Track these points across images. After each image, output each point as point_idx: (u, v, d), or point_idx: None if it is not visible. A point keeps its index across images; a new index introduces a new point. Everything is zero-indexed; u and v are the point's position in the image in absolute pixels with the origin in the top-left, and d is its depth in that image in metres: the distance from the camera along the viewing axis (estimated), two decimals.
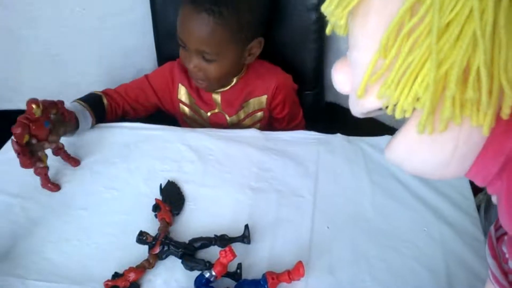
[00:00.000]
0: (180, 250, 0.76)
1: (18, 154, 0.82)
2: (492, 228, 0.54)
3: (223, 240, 0.78)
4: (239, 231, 0.80)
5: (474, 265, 0.75)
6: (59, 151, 0.92)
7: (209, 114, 1.16)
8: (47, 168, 0.88)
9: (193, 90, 1.14)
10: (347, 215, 0.84)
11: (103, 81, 1.31)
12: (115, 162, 0.96)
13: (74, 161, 0.94)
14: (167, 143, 1.01)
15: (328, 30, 0.44)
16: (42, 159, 0.87)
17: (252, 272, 0.74)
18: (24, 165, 0.83)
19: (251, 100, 1.14)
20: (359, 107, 0.43)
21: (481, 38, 0.32)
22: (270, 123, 1.20)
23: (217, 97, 1.13)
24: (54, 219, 0.85)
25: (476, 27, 0.32)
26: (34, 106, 0.82)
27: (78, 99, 1.05)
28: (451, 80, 0.33)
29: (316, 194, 0.88)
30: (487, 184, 0.42)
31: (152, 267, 0.75)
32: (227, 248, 0.70)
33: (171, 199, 0.86)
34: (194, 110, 1.17)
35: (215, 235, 0.79)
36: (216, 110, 1.15)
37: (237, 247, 0.75)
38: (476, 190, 0.96)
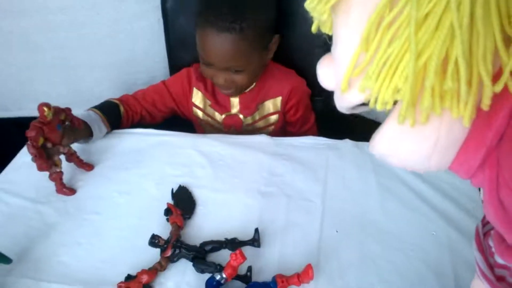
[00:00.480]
0: (191, 253, 0.77)
1: (35, 156, 0.84)
2: (479, 223, 0.54)
3: (233, 244, 0.79)
4: (249, 235, 0.81)
5: None
6: (72, 157, 0.94)
7: (223, 116, 1.18)
8: (62, 173, 0.90)
9: (209, 93, 1.17)
10: (355, 219, 0.85)
11: (115, 87, 1.34)
12: (128, 168, 0.98)
13: (88, 166, 0.97)
14: (178, 148, 1.03)
15: (313, 28, 0.45)
16: (57, 164, 0.89)
17: (262, 275, 0.76)
18: (40, 167, 0.85)
19: (266, 102, 1.16)
20: (344, 102, 0.43)
21: (458, 29, 0.32)
22: (283, 127, 1.21)
23: (234, 99, 1.16)
24: (68, 223, 0.87)
25: (454, 19, 0.32)
26: (45, 108, 0.84)
27: (93, 107, 1.07)
28: (430, 70, 0.34)
29: (325, 199, 0.89)
30: (470, 177, 0.42)
31: (164, 269, 0.76)
32: (237, 251, 0.71)
33: (183, 203, 0.88)
34: (208, 113, 1.19)
35: (226, 239, 0.80)
36: (232, 112, 1.18)
37: (247, 250, 0.76)
38: None
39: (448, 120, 0.37)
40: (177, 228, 0.82)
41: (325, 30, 0.44)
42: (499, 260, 0.47)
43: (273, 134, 1.09)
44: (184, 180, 0.94)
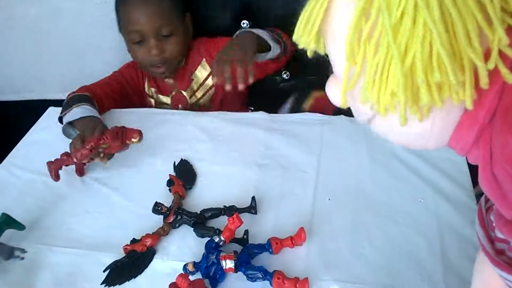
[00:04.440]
0: (192, 219, 0.82)
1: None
2: (482, 199, 0.56)
3: (231, 210, 0.84)
4: (246, 203, 0.86)
5: (466, 232, 0.79)
6: None
7: (170, 97, 1.26)
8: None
9: (152, 81, 1.25)
10: (347, 188, 0.90)
11: None
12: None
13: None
14: (180, 125, 1.08)
15: (309, 54, 0.45)
16: None
17: (258, 239, 0.80)
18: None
19: (197, 71, 1.23)
20: (359, 116, 0.46)
21: (432, 23, 0.34)
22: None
23: (169, 80, 1.24)
24: (77, 194, 0.93)
25: (425, 16, 0.34)
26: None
27: (86, 103, 1.08)
28: (418, 68, 0.35)
29: (319, 170, 0.94)
30: (466, 154, 0.44)
31: (167, 234, 0.82)
32: (234, 215, 0.76)
33: (184, 175, 0.93)
34: (158, 100, 1.27)
35: (224, 206, 0.85)
36: (173, 92, 1.25)
37: (244, 217, 0.80)
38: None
39: (445, 105, 0.38)
40: (179, 197, 0.87)
41: (322, 51, 0.45)
42: (499, 234, 0.48)
43: (218, 97, 1.21)
44: (186, 154, 0.99)
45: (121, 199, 0.91)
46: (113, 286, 0.75)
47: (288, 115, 1.11)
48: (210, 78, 1.22)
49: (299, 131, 1.03)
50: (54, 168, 0.93)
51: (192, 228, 0.82)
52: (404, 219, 0.83)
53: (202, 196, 0.90)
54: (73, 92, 1.13)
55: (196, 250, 0.79)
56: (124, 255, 0.79)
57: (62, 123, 1.03)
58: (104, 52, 1.43)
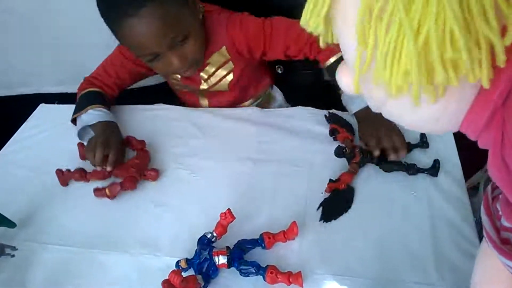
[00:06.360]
0: (374, 159, 0.91)
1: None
2: (489, 188, 0.56)
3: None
4: (240, 199, 0.87)
5: (458, 224, 0.80)
6: None
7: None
8: None
9: None
10: None
11: None
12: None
13: None
14: (173, 121, 1.08)
15: (321, 43, 0.44)
16: None
17: (252, 235, 0.79)
18: None
19: (214, 55, 1.07)
20: (369, 102, 0.44)
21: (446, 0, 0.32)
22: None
23: None
24: (70, 191, 0.92)
25: None
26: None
27: (97, 104, 1.06)
28: (432, 45, 0.34)
29: (312, 164, 0.93)
30: (476, 137, 0.43)
31: (356, 172, 0.90)
32: (226, 211, 0.76)
33: (342, 124, 1.00)
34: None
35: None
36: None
37: (236, 212, 0.79)
38: (475, 167, 0.99)
39: (459, 86, 0.37)
40: (350, 142, 0.95)
41: (329, 40, 0.44)
42: (505, 223, 0.48)
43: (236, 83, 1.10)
44: (179, 150, 0.99)
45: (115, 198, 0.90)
46: (329, 221, 0.83)
47: (281, 109, 1.10)
48: (225, 66, 1.09)
49: (292, 126, 1.03)
50: (63, 179, 0.94)
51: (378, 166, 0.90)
52: (396, 212, 0.83)
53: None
54: (84, 87, 1.10)
55: (188, 247, 0.79)
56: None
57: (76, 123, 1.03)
58: (98, 46, 1.42)
